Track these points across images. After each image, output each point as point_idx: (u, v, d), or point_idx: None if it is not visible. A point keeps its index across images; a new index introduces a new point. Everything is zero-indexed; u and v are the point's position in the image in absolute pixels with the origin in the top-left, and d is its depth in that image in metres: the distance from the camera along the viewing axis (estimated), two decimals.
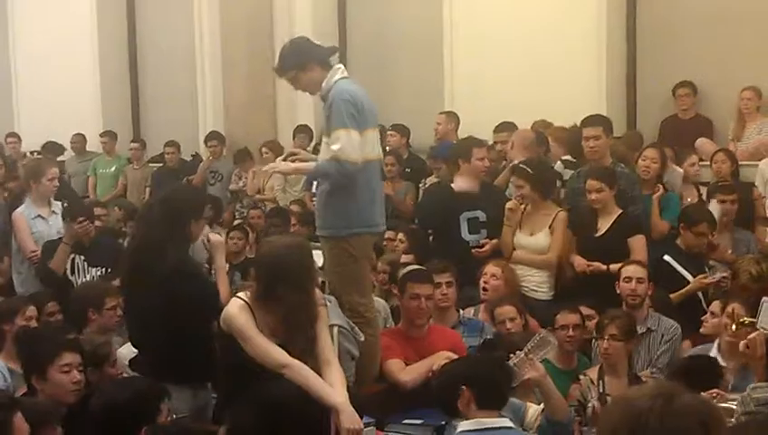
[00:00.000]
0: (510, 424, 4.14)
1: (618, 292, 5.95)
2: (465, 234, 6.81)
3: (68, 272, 6.68)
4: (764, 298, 5.20)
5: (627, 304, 5.85)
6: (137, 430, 3.84)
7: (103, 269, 6.68)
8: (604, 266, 6.43)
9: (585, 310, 5.80)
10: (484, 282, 6.20)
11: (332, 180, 5.05)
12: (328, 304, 4.84)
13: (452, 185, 6.96)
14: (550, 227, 6.66)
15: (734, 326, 5.09)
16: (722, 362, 5.25)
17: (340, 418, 4.19)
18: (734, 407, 4.14)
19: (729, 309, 5.26)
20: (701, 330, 5.83)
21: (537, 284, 6.62)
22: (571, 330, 5.56)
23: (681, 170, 7.77)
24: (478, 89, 9.79)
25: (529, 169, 6.71)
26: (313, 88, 5.20)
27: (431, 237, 7.23)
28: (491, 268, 6.26)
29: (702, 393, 4.33)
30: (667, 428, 1.99)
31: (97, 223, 7.56)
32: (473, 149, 6.94)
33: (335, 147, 4.94)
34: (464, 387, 4.16)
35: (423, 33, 10.49)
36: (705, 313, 5.92)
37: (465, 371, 4.35)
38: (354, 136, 4.94)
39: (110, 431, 3.92)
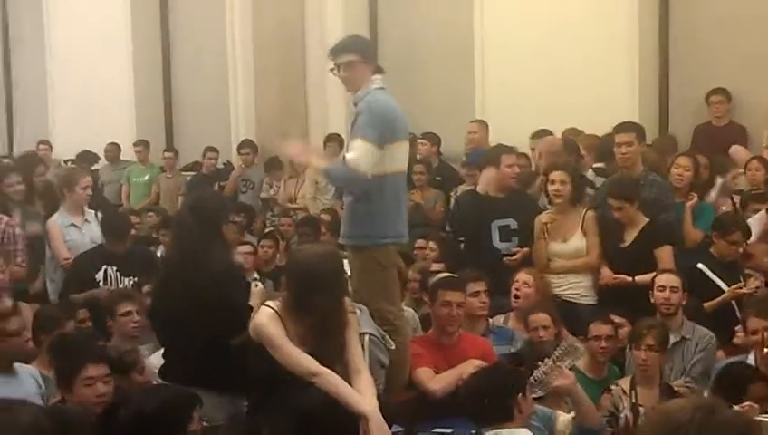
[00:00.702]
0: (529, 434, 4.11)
1: (651, 301, 5.90)
2: (496, 242, 6.79)
3: (101, 283, 6.73)
4: None
5: (661, 313, 5.80)
6: None
7: (136, 279, 6.70)
8: (629, 278, 6.38)
9: (616, 318, 5.77)
10: (516, 289, 6.17)
11: (339, 185, 5.07)
12: (358, 312, 4.85)
13: (477, 188, 6.96)
14: (582, 229, 6.62)
15: (765, 350, 5.07)
16: None
17: (369, 426, 4.19)
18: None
19: (754, 326, 5.23)
20: (734, 340, 5.77)
21: (585, 289, 6.59)
22: (603, 341, 5.51)
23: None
24: (509, 96, 9.76)
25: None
26: (356, 83, 5.14)
27: (462, 245, 7.21)
28: (523, 276, 6.24)
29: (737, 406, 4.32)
30: None
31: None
32: (501, 156, 6.93)
33: (350, 155, 4.95)
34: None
35: (454, 42, 10.49)
36: (739, 322, 5.86)
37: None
38: (372, 150, 4.91)
39: None
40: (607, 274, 6.51)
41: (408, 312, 5.84)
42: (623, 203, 6.49)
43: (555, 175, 6.70)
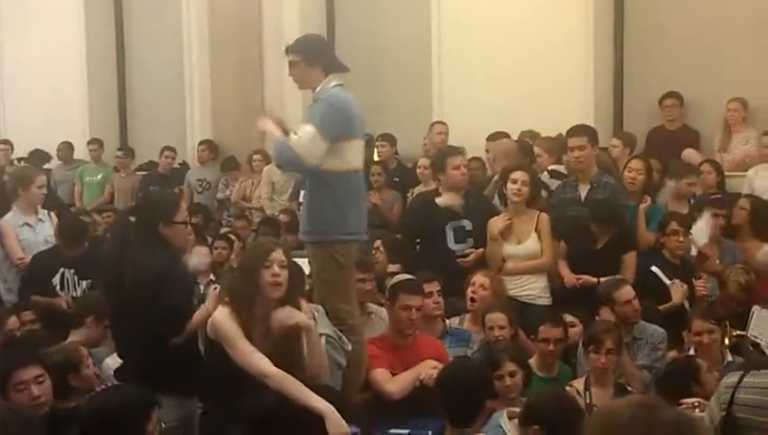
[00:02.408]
0: None
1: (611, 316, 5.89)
2: (451, 243, 6.81)
3: (57, 287, 6.65)
4: (755, 307, 5.26)
5: (632, 324, 5.81)
6: None
7: (92, 281, 6.63)
8: (594, 279, 6.40)
9: (568, 318, 5.85)
10: (473, 292, 6.16)
11: (279, 160, 5.18)
12: (316, 314, 4.85)
13: (436, 199, 6.98)
14: (536, 231, 6.66)
15: (726, 340, 5.13)
16: None
17: (327, 425, 4.18)
18: None
19: (698, 328, 5.31)
20: (685, 346, 5.86)
21: (541, 290, 6.63)
22: (552, 344, 5.55)
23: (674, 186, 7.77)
24: (466, 98, 9.81)
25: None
26: (303, 84, 5.20)
27: (418, 247, 7.22)
28: (480, 278, 6.23)
29: (685, 400, 4.38)
30: None
31: None
32: (447, 159, 6.93)
33: (295, 137, 4.96)
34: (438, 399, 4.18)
35: (411, 43, 10.52)
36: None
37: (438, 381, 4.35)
38: (319, 140, 4.92)
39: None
40: (569, 277, 6.56)
41: (381, 311, 5.81)
42: (608, 227, 6.54)
43: (517, 175, 6.74)
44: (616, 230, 6.56)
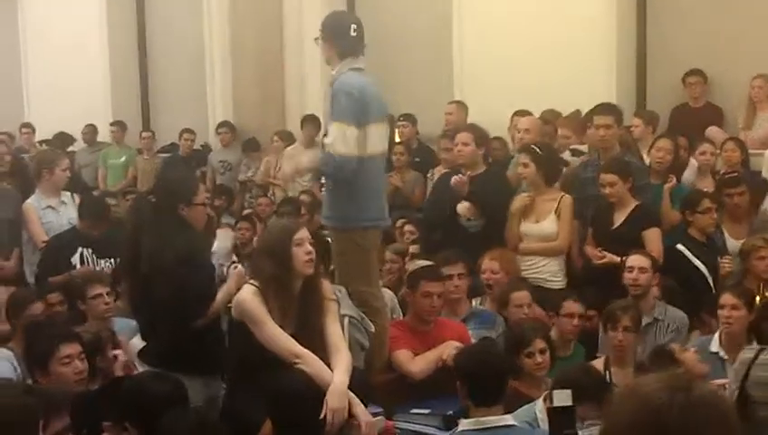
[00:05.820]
0: (512, 422, 4.09)
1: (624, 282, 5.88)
2: (462, 221, 6.73)
3: (77, 266, 6.68)
4: None
5: (631, 295, 5.76)
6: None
7: (113, 261, 6.65)
8: (617, 258, 6.27)
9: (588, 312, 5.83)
10: (486, 279, 6.15)
11: (328, 173, 5.08)
12: (338, 294, 4.86)
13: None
14: (556, 212, 6.59)
15: (758, 299, 5.08)
16: (723, 356, 5.24)
17: (327, 397, 4.19)
18: None
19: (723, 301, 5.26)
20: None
21: (552, 274, 6.55)
22: (576, 319, 5.58)
23: (696, 164, 7.71)
24: (488, 77, 9.73)
25: (537, 150, 6.64)
26: (327, 59, 5.22)
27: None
28: (488, 264, 6.17)
29: (716, 381, 4.34)
30: (690, 422, 1.91)
31: None
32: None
33: (327, 140, 4.97)
34: (458, 382, 4.18)
35: (432, 22, 10.45)
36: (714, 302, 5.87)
37: (458, 364, 4.35)
38: (350, 132, 4.92)
39: (139, 417, 3.92)
40: (593, 252, 6.48)
41: (387, 293, 5.82)
42: (617, 178, 6.45)
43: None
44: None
